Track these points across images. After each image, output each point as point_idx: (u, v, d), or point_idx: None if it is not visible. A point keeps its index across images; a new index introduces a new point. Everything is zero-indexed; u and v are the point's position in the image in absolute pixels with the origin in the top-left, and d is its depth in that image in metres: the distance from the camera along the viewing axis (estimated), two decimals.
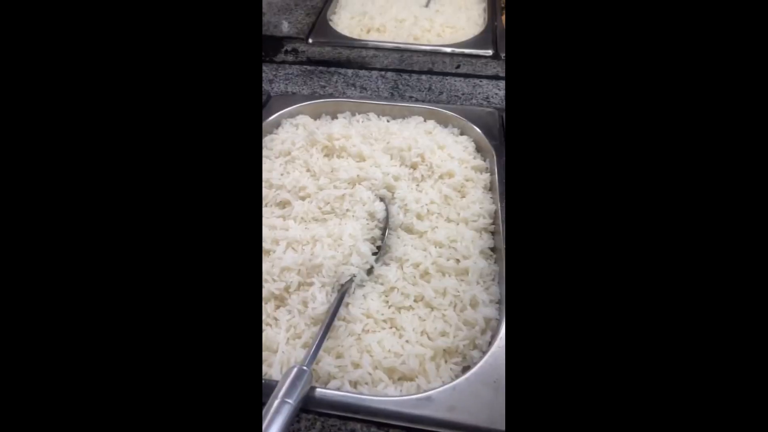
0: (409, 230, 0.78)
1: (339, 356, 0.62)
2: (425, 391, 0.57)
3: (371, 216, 0.78)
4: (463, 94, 1.04)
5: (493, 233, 0.78)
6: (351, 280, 0.69)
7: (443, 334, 0.64)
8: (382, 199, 0.81)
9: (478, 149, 0.93)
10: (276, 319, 0.67)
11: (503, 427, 0.52)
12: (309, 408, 0.55)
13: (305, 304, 0.67)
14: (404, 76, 1.10)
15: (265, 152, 0.91)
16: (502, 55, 1.16)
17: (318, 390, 0.56)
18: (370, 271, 0.72)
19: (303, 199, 0.82)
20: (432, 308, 0.68)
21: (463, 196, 0.83)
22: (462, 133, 0.96)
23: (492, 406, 0.54)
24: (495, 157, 0.87)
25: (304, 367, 0.54)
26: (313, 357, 0.57)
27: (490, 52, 1.16)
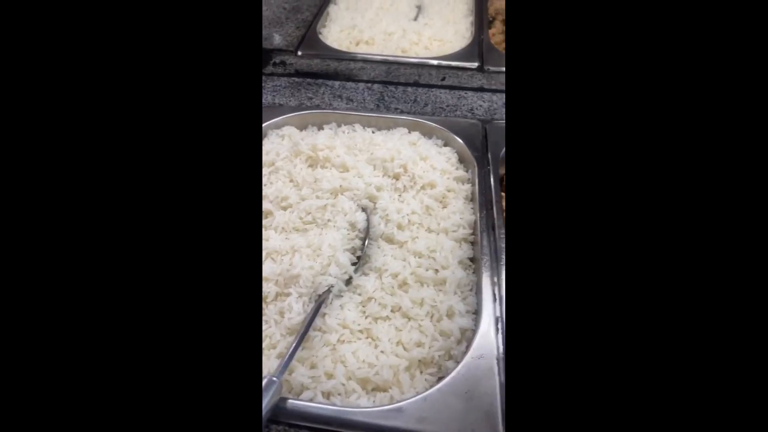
0: (389, 240, 0.78)
1: (313, 366, 0.61)
2: (398, 401, 0.57)
3: (352, 226, 0.78)
4: (447, 106, 1.05)
5: (472, 243, 0.78)
6: (328, 291, 0.69)
7: (419, 344, 0.64)
8: (363, 209, 0.81)
9: (461, 160, 0.93)
10: None
11: None
12: (279, 419, 0.55)
13: (282, 314, 0.66)
14: (390, 88, 1.11)
15: None
16: (487, 67, 1.17)
17: (289, 401, 0.56)
18: (348, 282, 0.71)
19: (285, 209, 0.82)
20: (409, 318, 0.67)
21: (445, 207, 0.83)
22: (445, 145, 0.96)
23: (463, 417, 0.54)
24: (476, 168, 0.87)
25: (274, 378, 0.54)
26: (285, 367, 0.57)
27: (475, 65, 1.17)
